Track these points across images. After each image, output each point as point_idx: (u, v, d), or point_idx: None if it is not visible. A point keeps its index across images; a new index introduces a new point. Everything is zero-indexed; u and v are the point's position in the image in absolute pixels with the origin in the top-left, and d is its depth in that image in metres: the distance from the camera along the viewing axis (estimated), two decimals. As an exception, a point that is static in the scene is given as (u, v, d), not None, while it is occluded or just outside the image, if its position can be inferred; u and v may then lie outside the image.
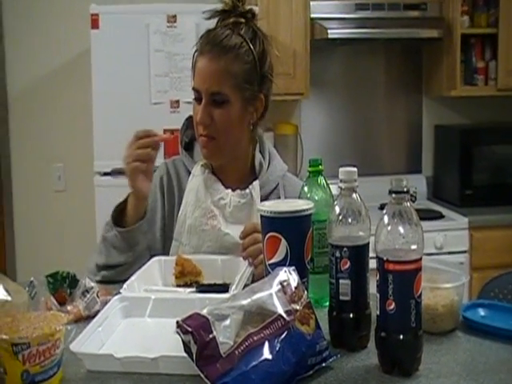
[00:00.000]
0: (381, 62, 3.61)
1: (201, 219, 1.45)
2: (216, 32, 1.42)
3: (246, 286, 1.17)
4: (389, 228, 0.94)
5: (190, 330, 0.87)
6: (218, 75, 1.39)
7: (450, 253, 3.01)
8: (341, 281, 1.01)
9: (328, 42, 3.23)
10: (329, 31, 3.10)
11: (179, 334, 0.88)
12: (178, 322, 0.89)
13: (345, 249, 1.00)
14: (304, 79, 3.20)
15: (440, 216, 3.18)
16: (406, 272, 0.92)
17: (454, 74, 3.35)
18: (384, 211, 0.95)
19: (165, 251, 1.48)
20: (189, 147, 1.57)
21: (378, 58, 3.61)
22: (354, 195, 1.04)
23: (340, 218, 1.02)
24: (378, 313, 0.95)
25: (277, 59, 3.13)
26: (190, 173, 1.52)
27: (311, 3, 3.19)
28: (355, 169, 1.05)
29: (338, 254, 1.01)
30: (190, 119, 1.53)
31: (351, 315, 1.02)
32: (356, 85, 3.58)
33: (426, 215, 3.16)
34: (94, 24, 2.67)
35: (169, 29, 2.68)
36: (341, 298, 1.02)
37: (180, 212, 1.49)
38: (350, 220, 1.02)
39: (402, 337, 0.93)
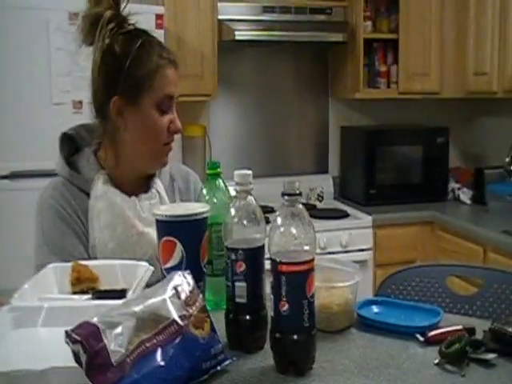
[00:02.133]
0: (288, 64, 3.67)
1: (126, 233, 1.39)
2: (159, 41, 1.42)
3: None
4: (282, 229, 0.95)
5: (79, 339, 0.84)
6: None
7: (355, 250, 3.10)
8: (236, 283, 1.01)
9: (236, 44, 3.25)
10: (236, 33, 3.12)
11: (68, 344, 0.85)
12: (66, 332, 0.86)
13: (240, 251, 1.01)
14: (212, 80, 3.20)
15: (346, 215, 3.27)
16: (298, 273, 0.93)
17: (357, 77, 3.45)
18: (277, 213, 0.96)
19: None
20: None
21: (285, 60, 3.66)
22: (249, 197, 1.04)
23: (235, 220, 1.02)
24: (273, 314, 0.96)
25: (184, 60, 3.09)
26: (84, 192, 1.42)
27: (218, 4, 3.19)
28: (250, 172, 1.05)
29: (233, 257, 1.01)
30: (65, 136, 1.48)
31: (247, 317, 1.02)
32: (264, 86, 3.62)
33: (332, 214, 3.25)
34: (-13, 19, 2.54)
35: (70, 26, 2.58)
36: (237, 300, 1.02)
37: (94, 240, 1.39)
38: (245, 222, 1.02)
39: (295, 337, 0.94)
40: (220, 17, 3.20)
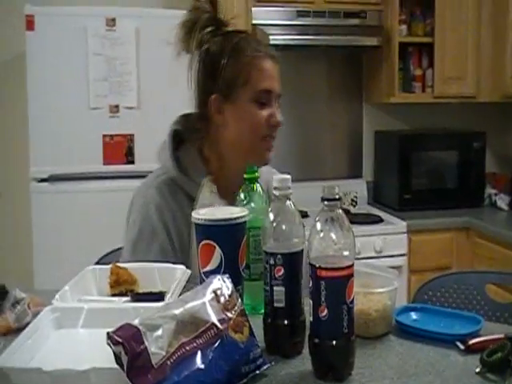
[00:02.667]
0: (322, 68, 3.67)
1: None
2: (257, 38, 1.44)
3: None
4: (321, 235, 0.94)
5: (120, 341, 0.85)
6: (279, 79, 1.41)
7: (389, 256, 3.07)
8: (275, 288, 1.01)
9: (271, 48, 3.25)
10: (270, 37, 3.13)
11: (110, 346, 0.87)
12: (108, 334, 0.87)
13: (279, 256, 1.01)
14: (246, 85, 3.21)
15: (379, 220, 3.25)
16: (337, 278, 0.93)
17: (392, 81, 3.43)
18: (316, 218, 0.96)
19: None
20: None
21: (319, 64, 3.66)
22: (288, 202, 1.04)
23: (274, 225, 1.02)
24: (312, 319, 0.96)
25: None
26: (187, 195, 1.41)
27: (253, 9, 3.21)
28: (289, 176, 1.05)
29: (272, 261, 1.01)
30: (174, 132, 1.47)
31: (285, 322, 1.02)
32: (298, 91, 3.62)
33: (366, 219, 3.22)
34: (29, 25, 2.60)
35: (108, 32, 2.63)
36: (275, 304, 1.02)
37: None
38: (283, 227, 1.02)
39: (334, 342, 0.94)
40: (254, 21, 3.21)
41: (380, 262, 2.98)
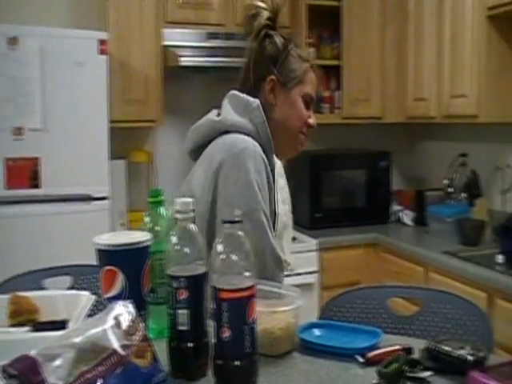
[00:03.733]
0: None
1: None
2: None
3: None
4: (222, 257, 0.96)
5: (15, 373, 0.82)
6: None
7: (301, 274, 3.13)
8: (178, 311, 1.02)
9: (182, 70, 3.26)
10: (181, 59, 3.13)
11: (4, 379, 0.83)
12: (2, 367, 0.84)
13: (182, 279, 1.01)
14: (156, 106, 3.20)
15: (292, 238, 3.29)
16: (238, 299, 0.94)
17: (301, 102, 3.51)
18: (217, 240, 0.97)
19: None
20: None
21: (230, 86, 3.68)
22: (191, 225, 1.05)
23: (176, 248, 1.03)
24: (215, 341, 0.97)
25: (129, 85, 3.07)
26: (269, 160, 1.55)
27: (164, 31, 3.21)
28: (191, 199, 1.06)
29: (175, 285, 1.01)
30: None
31: (189, 344, 1.02)
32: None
33: (279, 238, 3.27)
34: None
35: (9, 51, 2.55)
36: (179, 327, 1.02)
37: (277, 208, 1.58)
38: (186, 250, 1.03)
39: (237, 363, 0.95)
40: (165, 43, 3.22)
41: (292, 279, 3.02)
